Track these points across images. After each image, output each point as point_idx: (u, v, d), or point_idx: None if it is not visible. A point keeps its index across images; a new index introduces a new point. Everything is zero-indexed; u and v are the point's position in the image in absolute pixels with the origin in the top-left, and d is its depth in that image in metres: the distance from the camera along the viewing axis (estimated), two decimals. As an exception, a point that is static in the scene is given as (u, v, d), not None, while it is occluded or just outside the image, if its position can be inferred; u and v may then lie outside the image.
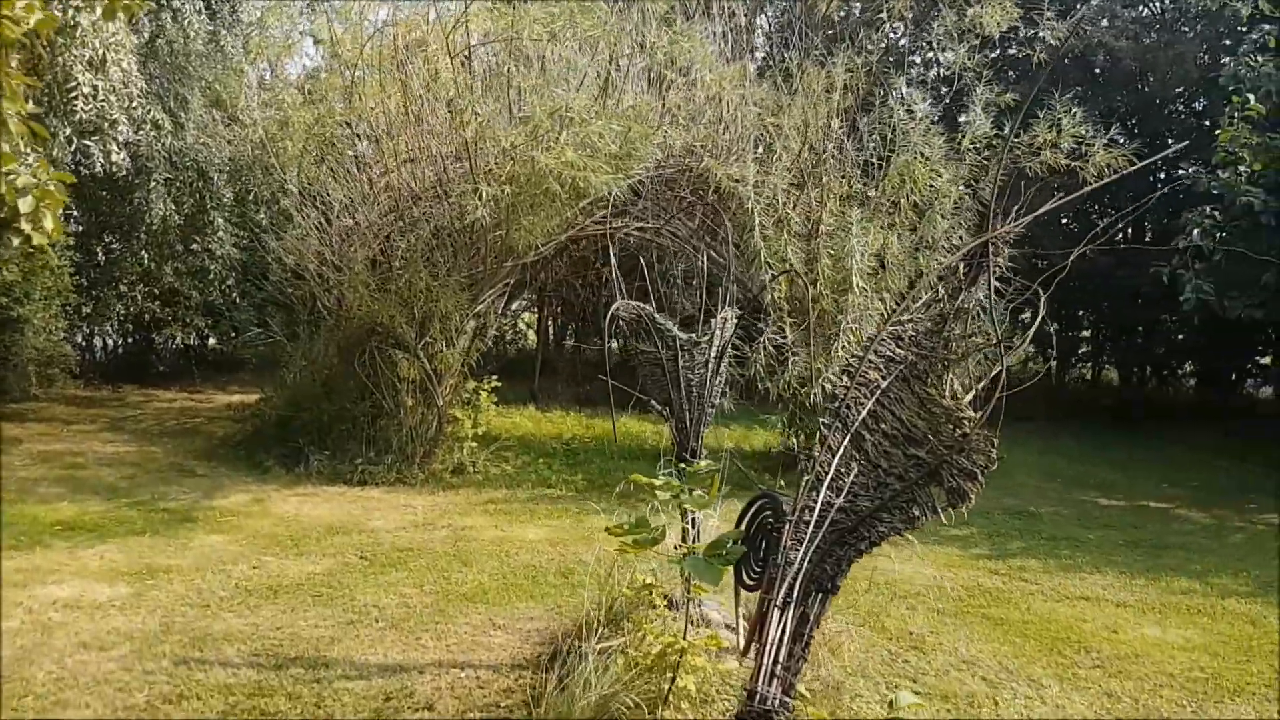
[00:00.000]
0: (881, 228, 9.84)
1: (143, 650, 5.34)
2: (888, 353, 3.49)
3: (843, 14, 11.51)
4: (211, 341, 17.79)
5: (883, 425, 3.44)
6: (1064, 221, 16.19)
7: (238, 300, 14.56)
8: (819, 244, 9.76)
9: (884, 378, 3.46)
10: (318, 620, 5.93)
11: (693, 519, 5.29)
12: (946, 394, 3.42)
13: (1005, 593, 6.95)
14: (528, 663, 5.31)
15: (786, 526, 3.30)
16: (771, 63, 10.41)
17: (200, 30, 12.81)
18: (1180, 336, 16.95)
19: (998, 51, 10.18)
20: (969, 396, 3.38)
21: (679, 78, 9.07)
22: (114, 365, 16.48)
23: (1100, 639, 6.08)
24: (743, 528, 3.95)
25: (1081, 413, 16.84)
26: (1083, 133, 9.66)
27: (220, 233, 13.71)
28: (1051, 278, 3.87)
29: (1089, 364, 19.20)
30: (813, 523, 3.29)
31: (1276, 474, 11.71)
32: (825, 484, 3.35)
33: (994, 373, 3.39)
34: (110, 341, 16.94)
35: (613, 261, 5.74)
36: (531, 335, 21.65)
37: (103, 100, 9.53)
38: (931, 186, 10.05)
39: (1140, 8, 15.68)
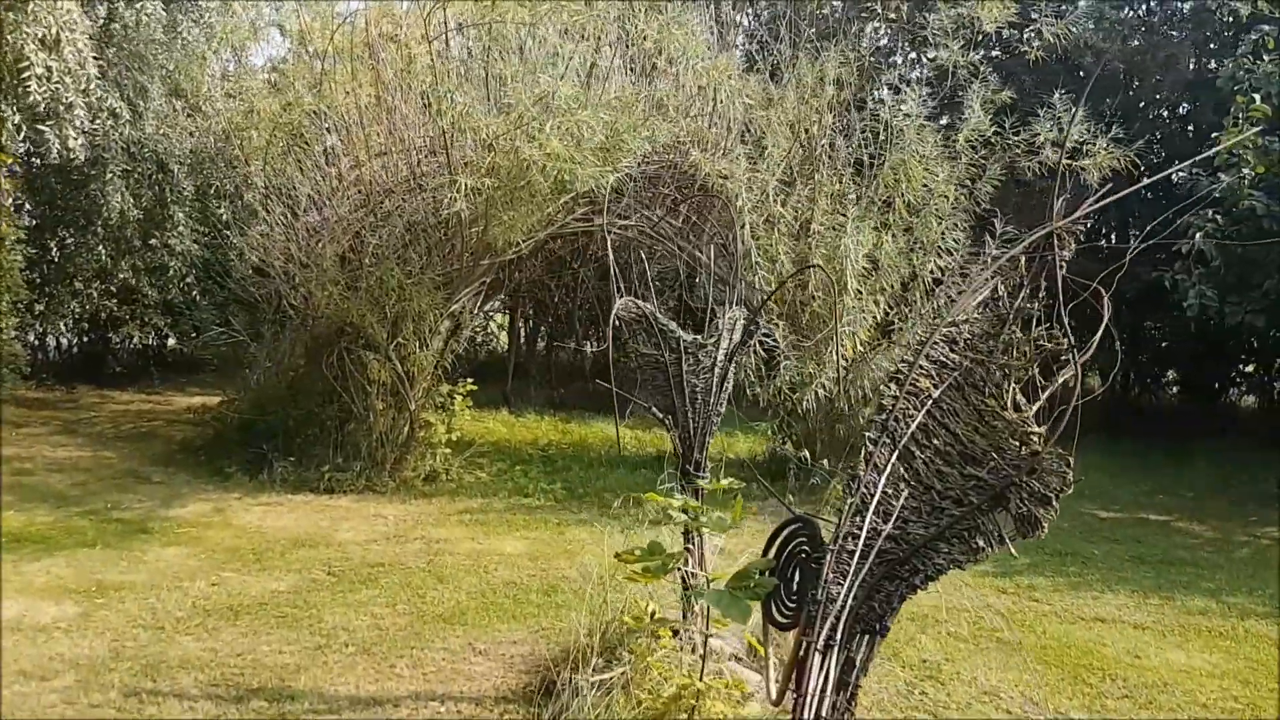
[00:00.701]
0: (874, 227, 9.47)
1: (89, 679, 4.85)
2: (940, 358, 3.06)
3: (834, 7, 11.08)
4: (171, 341, 17.13)
5: (935, 441, 3.02)
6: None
7: (198, 298, 13.94)
8: (810, 243, 9.37)
9: (936, 386, 3.04)
10: (282, 645, 5.44)
11: (699, 541, 4.83)
12: (1009, 405, 3.00)
13: (1017, 614, 6.56)
14: (514, 695, 4.86)
15: (827, 557, 2.87)
16: (760, 55, 9.98)
17: (156, 14, 12.21)
18: (1165, 344, 16.73)
19: (980, 54, 9.77)
20: (1034, 408, 2.96)
21: (668, 67, 8.62)
22: (68, 365, 15.79)
23: (1124, 665, 5.70)
24: (770, 555, 3.50)
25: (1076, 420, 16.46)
26: (1085, 131, 9.32)
27: (180, 228, 13.10)
28: (1111, 275, 3.46)
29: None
30: (858, 553, 2.86)
31: (1265, 484, 11.42)
32: (872, 508, 2.92)
33: (1062, 381, 2.99)
34: (64, 340, 16.23)
35: (611, 260, 5.27)
36: (503, 337, 21.14)
37: (57, 82, 8.95)
38: (925, 186, 9.69)
39: (1125, 10, 15.43)
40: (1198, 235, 9.86)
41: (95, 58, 9.87)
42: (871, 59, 10.39)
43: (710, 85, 8.79)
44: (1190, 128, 15.29)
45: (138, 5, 11.27)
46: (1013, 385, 3.06)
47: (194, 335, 14.97)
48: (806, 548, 3.24)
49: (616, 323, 4.71)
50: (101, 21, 11.86)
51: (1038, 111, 9.71)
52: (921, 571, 2.85)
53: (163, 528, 7.86)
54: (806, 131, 9.70)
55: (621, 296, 4.74)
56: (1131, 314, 15.82)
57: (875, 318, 9.13)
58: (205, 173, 13.50)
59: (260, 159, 10.59)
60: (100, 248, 13.18)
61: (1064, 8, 14.25)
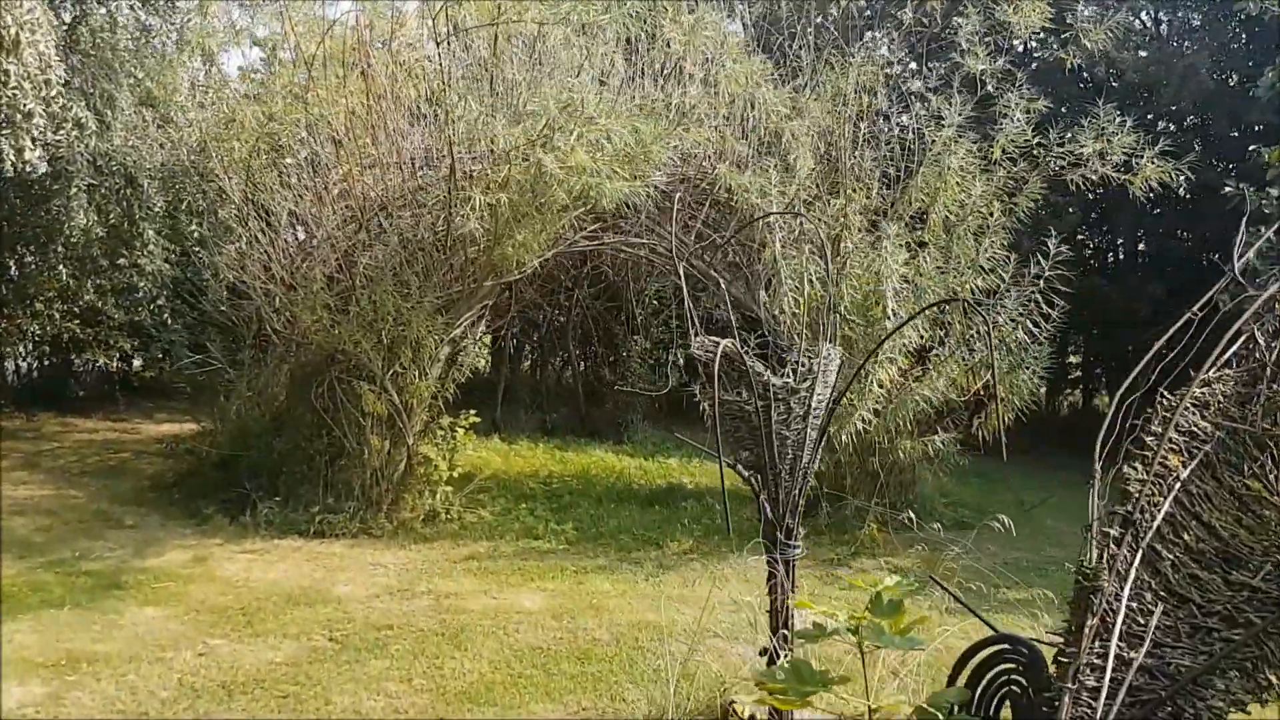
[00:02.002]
0: (906, 244, 8.83)
1: (61, 791, 4.07)
2: (1189, 426, 2.38)
3: (859, 6, 10.43)
4: (137, 363, 16.18)
5: (1185, 536, 2.33)
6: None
7: (168, 320, 13.05)
8: (843, 262, 8.71)
9: (1185, 464, 2.35)
10: (288, 737, 4.68)
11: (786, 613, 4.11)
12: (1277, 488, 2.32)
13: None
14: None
15: (1062, 696, 2.17)
16: (783, 59, 9.31)
17: (129, 20, 11.42)
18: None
19: (999, 60, 9.19)
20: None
21: (695, 70, 7.92)
22: (28, 391, 14.81)
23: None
24: (962, 683, 2.78)
25: (1072, 442, 15.98)
26: (1132, 143, 8.74)
27: (150, 246, 12.23)
28: None
29: (1079, 390, 18.48)
30: (1104, 692, 2.16)
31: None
32: (1117, 631, 2.22)
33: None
34: (23, 365, 15.24)
35: (684, 287, 4.55)
36: (485, 357, 20.27)
37: (14, 88, 8.13)
38: (959, 202, 9.08)
39: (1133, 19, 14.96)
40: (1250, 253, 9.27)
41: (59, 61, 9.08)
42: (898, 66, 9.74)
43: (744, 91, 8.09)
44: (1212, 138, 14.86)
45: (110, 5, 10.43)
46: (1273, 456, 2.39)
47: (162, 358, 14.09)
48: (1020, 679, 2.53)
49: (701, 365, 3.98)
50: (67, 25, 11.04)
51: (1055, 122, 9.15)
52: (1191, 715, 2.16)
53: (138, 582, 7.05)
54: (831, 143, 9.05)
55: (698, 334, 4.02)
56: (1140, 332, 15.33)
57: (914, 343, 8.48)
58: (177, 187, 12.65)
59: (239, 171, 9.78)
60: (61, 267, 12.29)
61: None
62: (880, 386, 8.30)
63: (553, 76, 7.17)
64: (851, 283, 8.58)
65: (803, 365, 7.32)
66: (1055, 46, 12.79)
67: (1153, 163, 8.73)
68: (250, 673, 5.47)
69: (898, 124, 9.39)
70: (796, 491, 3.96)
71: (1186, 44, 14.57)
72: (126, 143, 11.85)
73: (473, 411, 9.40)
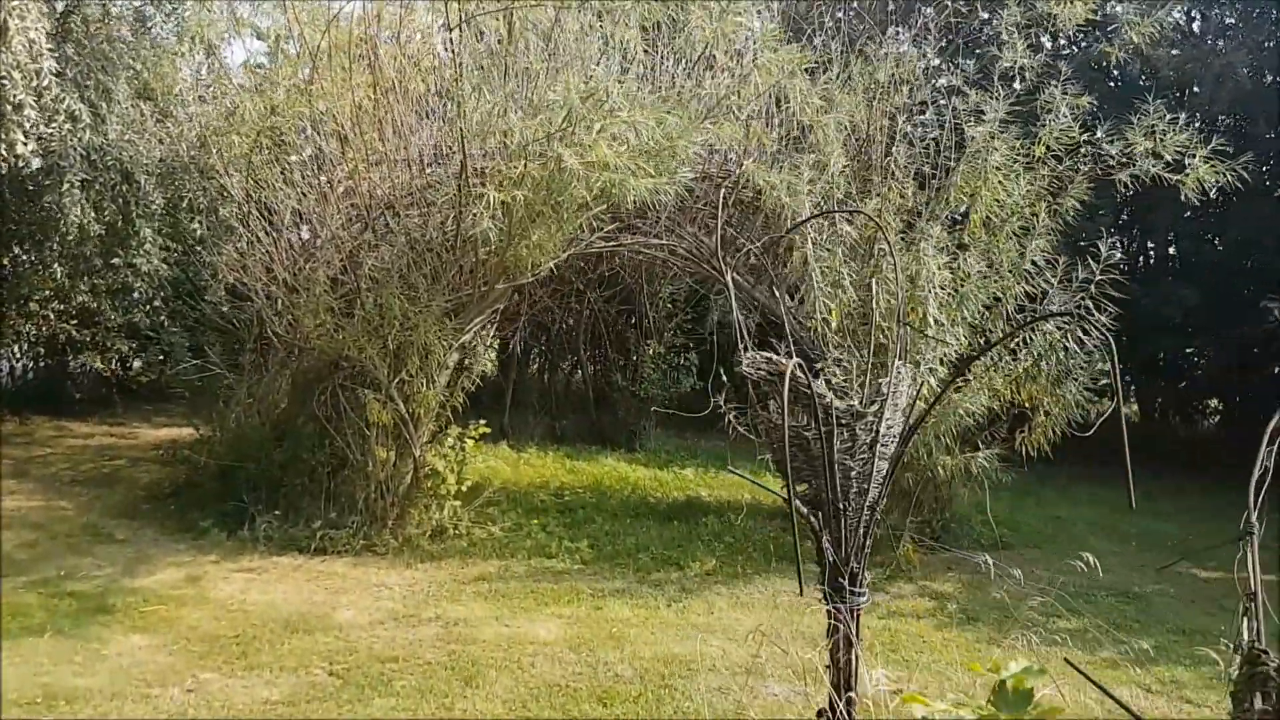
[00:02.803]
0: (943, 248, 8.34)
1: None
2: None
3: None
4: (137, 364, 15.69)
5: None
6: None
7: (165, 322, 12.58)
8: (876, 264, 8.22)
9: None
10: (283, 795, 4.20)
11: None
12: None
13: (1182, 726, 5.41)
14: None
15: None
16: (811, 50, 8.79)
17: (126, 9, 10.96)
18: (1200, 372, 15.76)
19: (1039, 55, 8.72)
20: None
21: (727, 61, 7.40)
22: (22, 394, 14.30)
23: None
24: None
25: (1102, 452, 15.46)
26: (1184, 142, 8.24)
27: (147, 245, 11.74)
28: None
29: (1105, 398, 17.84)
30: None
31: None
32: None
33: None
34: (18, 366, 14.76)
35: (733, 300, 4.06)
36: (493, 362, 19.71)
37: (3, 77, 7.66)
38: (998, 202, 8.58)
39: (1172, 16, 14.46)
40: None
41: (51, 51, 8.61)
42: (934, 58, 9.24)
43: (775, 83, 7.58)
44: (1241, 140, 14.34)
45: (104, -4, 9.97)
46: None
47: (161, 361, 13.61)
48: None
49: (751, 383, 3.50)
50: (60, 14, 10.57)
51: (1093, 120, 8.68)
52: None
53: (126, 605, 6.59)
54: (867, 137, 8.57)
55: (747, 350, 3.53)
56: (1168, 339, 14.82)
57: (956, 352, 7.98)
58: (176, 184, 12.16)
59: (240, 168, 9.32)
60: (56, 265, 11.81)
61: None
62: (921, 400, 7.79)
63: (571, 66, 6.68)
64: (887, 287, 8.07)
65: (835, 377, 6.81)
66: (1088, 43, 12.31)
67: (1206, 162, 8.21)
68: (244, 710, 5.01)
69: (935, 119, 8.88)
70: (862, 532, 3.47)
71: (1221, 42, 14.07)
72: (123, 137, 11.35)
73: (482, 421, 8.94)
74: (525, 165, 6.49)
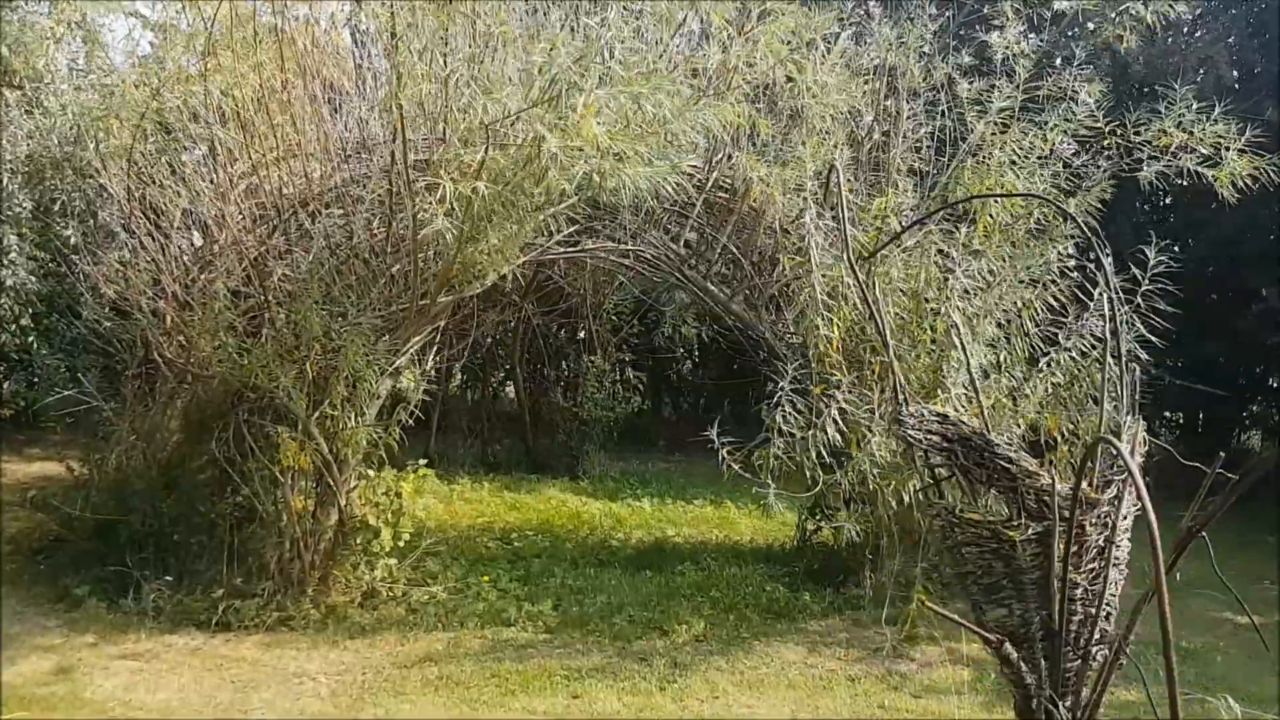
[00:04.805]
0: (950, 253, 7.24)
1: None
2: None
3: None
4: (6, 388, 13.78)
5: None
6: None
7: (35, 343, 10.85)
8: (882, 271, 7.07)
9: None
10: None
11: None
12: None
13: None
14: None
15: None
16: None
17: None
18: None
19: (1037, 38, 7.76)
20: None
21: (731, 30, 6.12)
22: None
23: None
24: None
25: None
26: (1221, 132, 7.26)
27: (13, 254, 10.05)
28: None
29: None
30: None
31: None
32: None
33: None
34: None
35: (881, 318, 2.80)
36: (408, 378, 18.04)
37: None
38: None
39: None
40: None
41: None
42: (931, 39, 8.14)
43: (780, 61, 6.33)
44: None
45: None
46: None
47: (28, 388, 11.86)
48: None
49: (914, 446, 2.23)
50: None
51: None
52: None
53: (-31, 717, 5.06)
54: (867, 127, 7.44)
55: (906, 401, 2.27)
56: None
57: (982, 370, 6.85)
58: (47, 184, 10.53)
59: (121, 162, 7.81)
60: (-95, 280, 10.05)
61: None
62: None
63: (544, 31, 5.35)
64: (899, 299, 6.92)
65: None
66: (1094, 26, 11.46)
67: (1241, 155, 7.24)
68: None
69: (942, 106, 7.81)
70: (1097, 682, 2.23)
71: (1198, 32, 13.37)
72: (-19, 131, 9.73)
73: (423, 461, 7.54)
74: (485, 151, 5.14)
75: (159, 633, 6.42)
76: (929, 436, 2.31)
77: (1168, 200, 14.24)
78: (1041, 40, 8.71)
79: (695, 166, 7.90)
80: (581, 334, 13.40)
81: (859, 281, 4.21)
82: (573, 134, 4.73)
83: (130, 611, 6.68)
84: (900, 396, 2.50)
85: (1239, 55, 12.81)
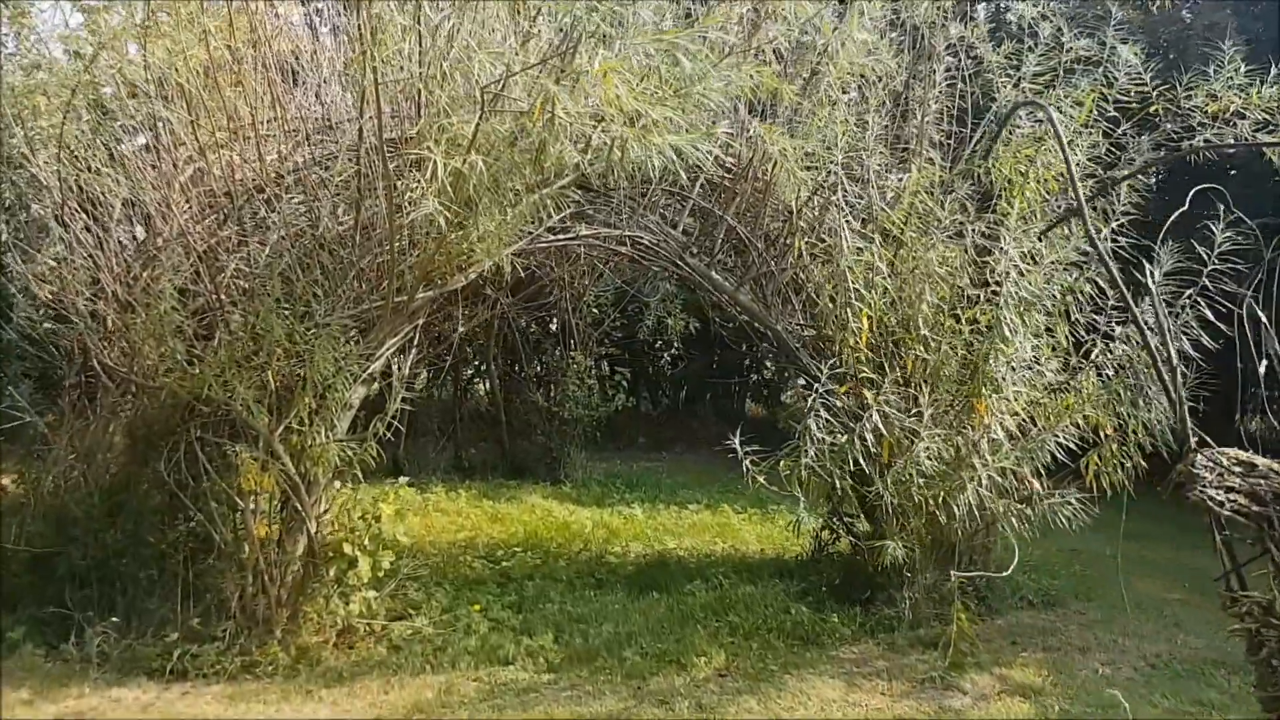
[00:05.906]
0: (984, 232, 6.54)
1: None
2: None
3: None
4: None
5: None
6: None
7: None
8: (910, 253, 6.34)
9: None
10: None
11: None
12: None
13: None
14: None
15: None
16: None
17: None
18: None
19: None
20: None
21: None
22: None
23: None
24: None
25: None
26: (1276, 95, 6.62)
27: (-64, 252, 9.11)
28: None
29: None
30: None
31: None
32: None
33: None
34: None
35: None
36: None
37: None
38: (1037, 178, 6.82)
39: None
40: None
41: None
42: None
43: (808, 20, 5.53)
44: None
45: None
46: None
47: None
48: None
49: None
50: None
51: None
52: None
53: None
54: (898, 95, 6.70)
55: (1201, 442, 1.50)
56: None
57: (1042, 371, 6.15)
58: (-26, 175, 9.57)
59: (51, 147, 6.92)
60: None
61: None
62: (1008, 435, 5.96)
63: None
64: (936, 285, 6.18)
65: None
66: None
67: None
68: None
69: (970, 71, 7.10)
70: None
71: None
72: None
73: (404, 479, 6.71)
74: (481, 119, 4.31)
75: (105, 685, 5.55)
76: (1231, 498, 1.56)
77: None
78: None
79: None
80: (555, 326, 12.59)
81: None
82: (581, 97, 3.93)
83: (72, 659, 5.81)
84: (1192, 440, 1.75)
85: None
